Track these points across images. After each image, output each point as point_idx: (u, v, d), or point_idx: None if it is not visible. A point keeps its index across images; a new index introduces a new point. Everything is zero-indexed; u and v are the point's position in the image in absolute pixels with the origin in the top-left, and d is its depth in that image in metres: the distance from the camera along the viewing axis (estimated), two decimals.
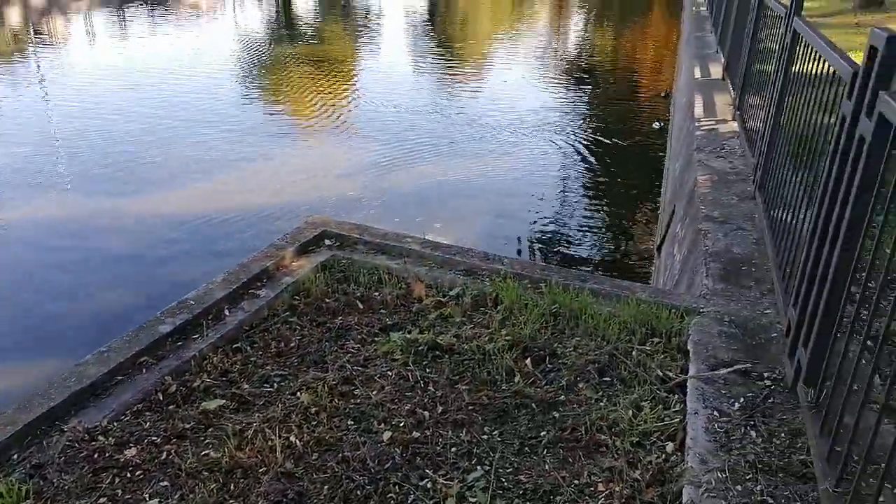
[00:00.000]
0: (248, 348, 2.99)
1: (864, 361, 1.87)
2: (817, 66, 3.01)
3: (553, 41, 24.35)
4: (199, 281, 3.39)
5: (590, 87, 16.38)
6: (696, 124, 6.30)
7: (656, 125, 12.17)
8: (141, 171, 9.50)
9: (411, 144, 10.88)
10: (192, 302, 3.14)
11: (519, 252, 7.42)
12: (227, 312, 3.16)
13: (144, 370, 2.76)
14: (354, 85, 15.44)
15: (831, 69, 2.65)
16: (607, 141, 11.49)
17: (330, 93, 14.42)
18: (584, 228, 8.18)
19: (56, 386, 2.57)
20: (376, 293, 3.42)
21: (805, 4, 13.64)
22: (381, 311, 3.29)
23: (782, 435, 2.25)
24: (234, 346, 3.00)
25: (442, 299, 3.35)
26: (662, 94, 14.65)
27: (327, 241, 3.90)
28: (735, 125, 6.01)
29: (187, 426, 2.48)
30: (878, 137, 1.86)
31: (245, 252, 3.73)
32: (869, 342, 1.83)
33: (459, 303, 3.32)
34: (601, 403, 2.58)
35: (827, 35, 9.40)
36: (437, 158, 10.33)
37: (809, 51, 3.24)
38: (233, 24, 26.16)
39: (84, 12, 27.64)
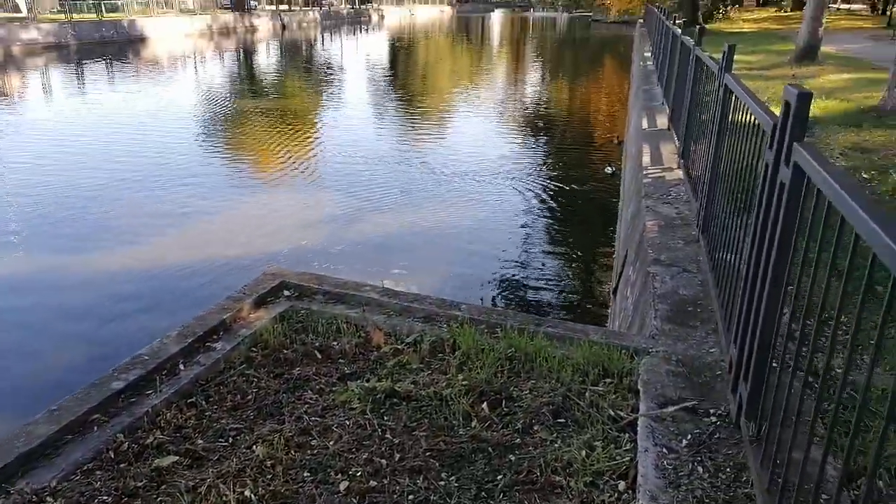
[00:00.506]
0: (204, 402, 2.96)
1: (801, 394, 1.97)
2: (746, 117, 3.23)
3: (511, 93, 25.14)
4: (154, 335, 3.36)
5: (547, 135, 16.93)
6: (645, 172, 6.57)
7: (608, 170, 12.69)
8: (96, 225, 9.38)
9: (373, 193, 11.02)
10: (146, 357, 3.11)
11: (481, 299, 7.51)
12: (181, 367, 3.13)
13: (96, 428, 2.71)
14: (317, 136, 15.65)
15: (756, 121, 2.85)
16: (564, 186, 11.84)
17: (292, 145, 14.57)
18: (543, 272, 8.34)
19: (3, 447, 2.50)
20: (335, 342, 3.44)
21: (747, 58, 14.44)
22: (340, 360, 3.30)
23: (728, 469, 2.33)
24: (189, 400, 2.96)
25: (400, 346, 3.39)
26: (615, 141, 15.24)
27: (286, 292, 3.92)
28: (680, 173, 6.29)
29: (139, 484, 2.43)
30: (795, 184, 2.01)
31: (203, 305, 3.72)
32: (809, 377, 1.94)
33: (417, 349, 3.36)
34: (556, 445, 2.63)
35: (766, 86, 9.98)
36: (398, 207, 10.47)
37: (739, 104, 3.47)
38: (194, 78, 26.31)
39: (41, 69, 27.48)
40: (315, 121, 17.73)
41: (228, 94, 22.04)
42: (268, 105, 19.43)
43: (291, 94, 22.72)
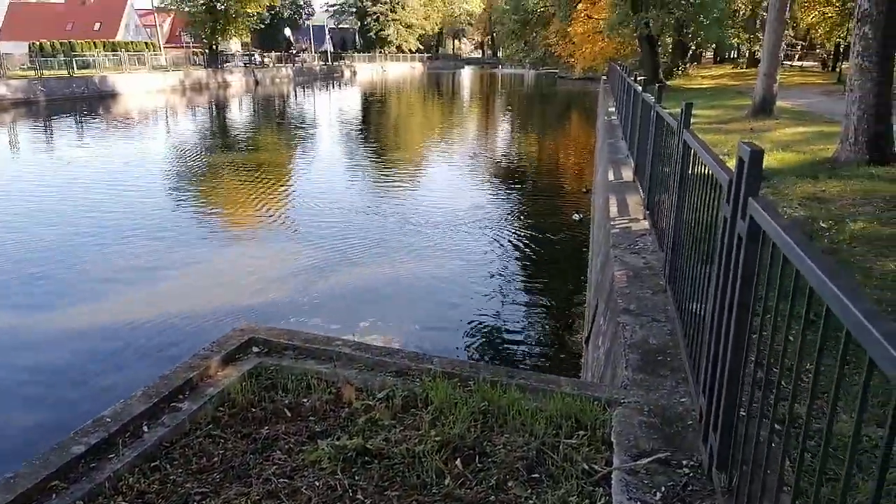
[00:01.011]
0: (168, 466, 2.87)
1: (769, 444, 1.99)
2: (705, 171, 3.35)
3: (482, 145, 25.64)
4: (119, 396, 3.27)
5: (517, 185, 17.26)
6: (612, 223, 6.71)
7: (576, 217, 13.07)
8: (64, 282, 9.19)
9: (345, 244, 11.03)
10: (108, 419, 3.02)
11: (455, 349, 7.47)
12: (145, 429, 3.04)
13: (55, 496, 2.60)
14: (288, 189, 15.70)
15: (714, 176, 2.96)
16: (536, 234, 12.02)
17: (263, 197, 14.58)
18: (516, 322, 8.36)
19: None
20: (305, 399, 3.38)
21: (707, 113, 14.99)
22: (310, 417, 3.24)
23: None
24: (153, 464, 2.87)
25: (372, 402, 3.34)
26: (584, 190, 15.62)
27: (255, 349, 3.86)
28: (646, 223, 6.44)
29: None
30: (752, 237, 2.09)
31: (171, 363, 3.64)
32: (776, 426, 1.96)
33: (389, 405, 3.31)
34: (531, 502, 2.60)
35: (725, 139, 10.33)
36: (370, 258, 10.48)
37: (697, 159, 3.61)
38: (164, 133, 26.35)
39: (8, 125, 27.30)
40: (287, 173, 17.81)
41: (199, 149, 22.09)
42: (239, 158, 19.50)
43: (263, 147, 22.85)
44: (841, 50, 33.04)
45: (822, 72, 36.93)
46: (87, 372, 6.77)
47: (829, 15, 30.04)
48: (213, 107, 37.95)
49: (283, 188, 15.78)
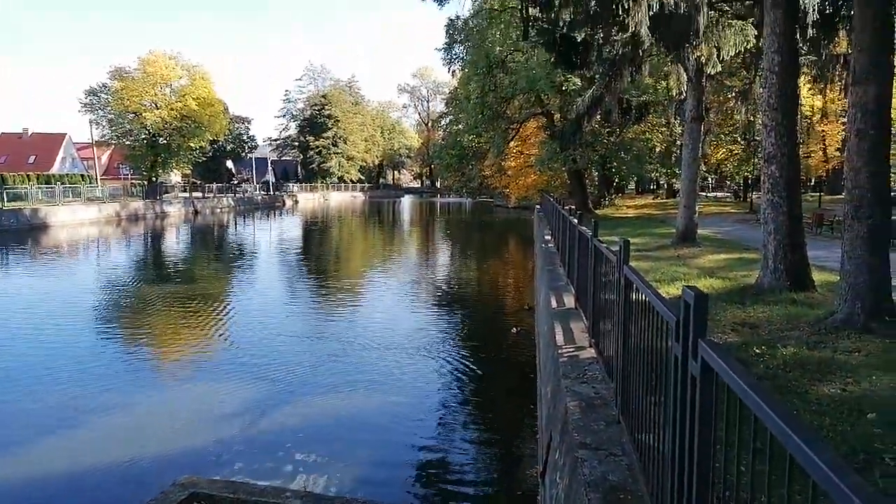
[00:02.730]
0: None
1: None
2: (649, 304, 3.51)
3: (423, 269, 26.03)
4: None
5: (459, 307, 17.50)
6: (559, 351, 6.82)
7: (514, 330, 13.81)
8: None
9: (286, 378, 10.67)
10: None
11: (405, 494, 7.13)
12: None
13: None
14: (225, 321, 15.27)
15: (658, 311, 3.12)
16: (480, 355, 12.13)
17: (198, 331, 14.12)
18: (467, 458, 8.10)
19: None
20: None
21: (635, 241, 15.76)
22: None
23: None
24: None
25: None
26: (526, 307, 16.04)
27: None
28: (592, 351, 6.58)
29: None
30: (706, 379, 2.18)
31: None
32: None
33: None
34: None
35: (656, 266, 10.84)
36: (312, 392, 10.13)
37: (641, 296, 3.79)
38: (93, 265, 25.60)
39: None
40: (222, 304, 17.38)
41: (130, 281, 21.49)
42: (171, 290, 19.00)
43: (197, 277, 22.40)
44: (749, 182, 36.25)
45: (735, 202, 40.16)
46: None
47: (736, 152, 33.25)
48: (148, 238, 37.46)
49: (218, 320, 15.36)
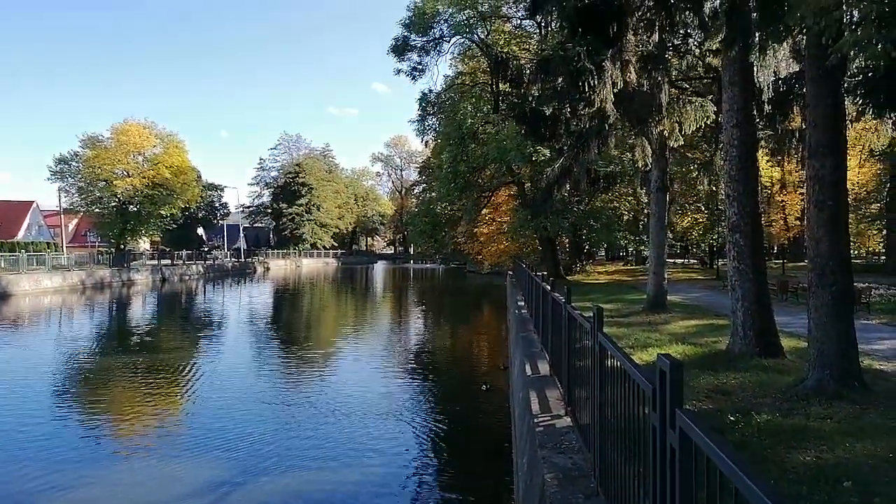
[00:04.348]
0: None
1: None
2: (624, 372, 3.51)
3: (394, 338, 25.72)
4: None
5: (433, 371, 17.42)
6: (535, 420, 6.72)
7: (484, 387, 14.12)
8: None
9: (257, 450, 10.28)
10: None
11: None
12: None
13: None
14: (189, 394, 14.74)
15: (634, 379, 3.12)
16: (455, 424, 11.91)
17: (162, 404, 13.63)
18: None
19: None
20: None
21: (607, 307, 15.87)
22: None
23: None
24: None
25: None
26: (501, 367, 16.04)
27: None
28: (568, 420, 6.50)
29: None
30: (685, 451, 2.17)
31: None
32: None
33: None
34: None
35: (629, 332, 10.89)
36: (281, 465, 9.75)
37: (616, 363, 3.80)
38: (56, 335, 24.74)
39: None
40: (185, 375, 16.80)
41: (89, 352, 20.75)
42: (134, 361, 18.35)
43: (161, 348, 21.72)
44: (715, 249, 37.17)
45: (703, 268, 41.00)
46: None
47: (701, 220, 34.21)
48: (113, 306, 36.56)
49: (180, 392, 14.83)
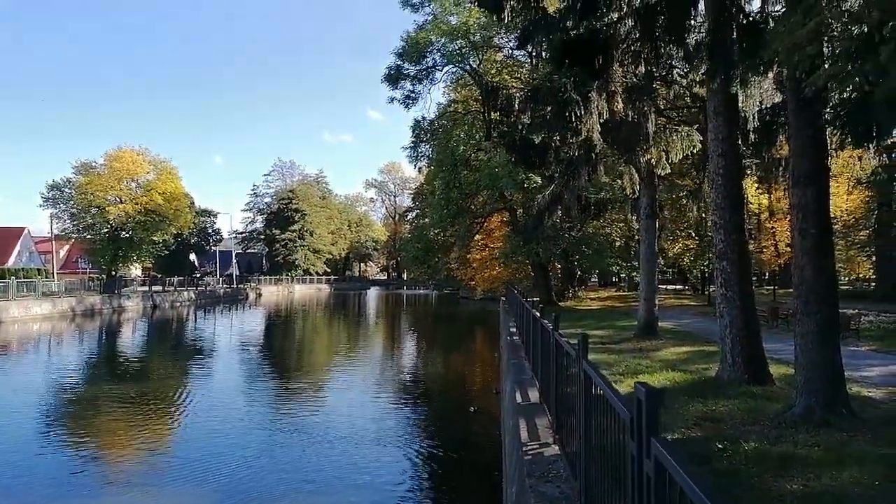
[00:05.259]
0: None
1: None
2: (607, 401, 3.53)
3: (387, 364, 25.58)
4: None
5: (426, 396, 17.38)
6: (524, 449, 6.69)
7: (472, 409, 14.26)
8: None
9: (246, 479, 10.16)
10: None
11: None
12: None
13: None
14: (181, 423, 14.59)
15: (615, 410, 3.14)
16: (448, 450, 11.81)
17: (152, 434, 13.43)
18: None
19: None
20: None
21: (599, 333, 15.90)
22: None
23: None
24: None
25: None
26: (495, 392, 16.01)
27: None
28: (557, 448, 6.48)
29: None
30: (660, 480, 2.19)
31: None
32: None
33: None
34: None
35: (619, 359, 10.89)
36: (275, 494, 9.64)
37: (598, 390, 3.82)
38: (43, 364, 24.44)
39: None
40: (177, 403, 16.63)
41: (80, 379, 20.51)
42: (123, 389, 18.12)
43: (150, 376, 21.50)
44: (706, 275, 37.31)
45: (694, 294, 41.11)
46: None
47: (691, 247, 34.41)
48: (102, 333, 36.23)
49: (171, 420, 14.67)
